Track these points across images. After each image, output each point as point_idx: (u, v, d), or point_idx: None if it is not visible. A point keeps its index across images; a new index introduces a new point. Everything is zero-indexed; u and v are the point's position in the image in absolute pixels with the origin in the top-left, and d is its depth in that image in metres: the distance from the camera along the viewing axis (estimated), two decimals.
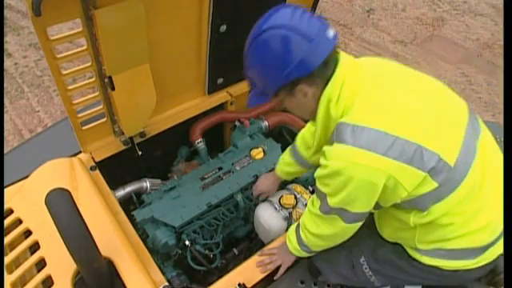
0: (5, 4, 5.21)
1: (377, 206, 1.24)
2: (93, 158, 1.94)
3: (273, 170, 1.95)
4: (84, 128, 1.85)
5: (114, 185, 1.95)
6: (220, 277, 1.59)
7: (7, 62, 4.39)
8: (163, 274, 1.61)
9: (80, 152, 1.95)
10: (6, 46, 4.60)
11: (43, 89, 4.12)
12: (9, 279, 1.47)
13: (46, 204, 1.25)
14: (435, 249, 1.27)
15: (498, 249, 1.27)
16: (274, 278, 1.58)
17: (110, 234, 1.61)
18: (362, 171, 1.11)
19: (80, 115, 1.78)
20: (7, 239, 1.59)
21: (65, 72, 1.59)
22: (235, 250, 2.03)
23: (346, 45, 4.92)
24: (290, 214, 1.87)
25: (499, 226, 1.25)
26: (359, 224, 1.31)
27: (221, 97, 2.33)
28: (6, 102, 3.95)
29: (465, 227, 1.22)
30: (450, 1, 5.74)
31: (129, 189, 2.03)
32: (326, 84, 1.20)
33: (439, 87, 1.30)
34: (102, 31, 1.48)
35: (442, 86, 1.30)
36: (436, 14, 5.47)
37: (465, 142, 1.18)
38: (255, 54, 1.19)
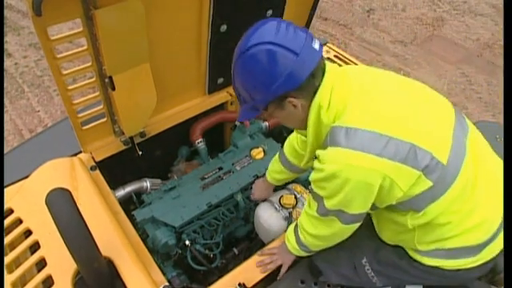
0: (5, 4, 5.21)
1: (373, 206, 1.25)
2: (93, 158, 1.94)
3: None
4: (84, 128, 1.85)
5: (114, 185, 1.95)
6: (220, 277, 1.59)
7: (7, 62, 4.39)
8: (163, 273, 1.61)
9: (80, 152, 1.95)
10: (6, 46, 4.60)
11: (43, 89, 4.12)
12: (9, 279, 1.47)
13: (46, 204, 1.25)
14: (435, 249, 1.28)
15: (496, 247, 1.28)
16: (278, 278, 1.58)
17: (111, 234, 1.61)
18: (357, 173, 1.12)
19: (80, 115, 1.78)
20: (7, 239, 1.59)
21: (65, 72, 1.59)
22: (235, 250, 2.04)
23: (346, 45, 4.92)
24: (290, 213, 1.87)
25: (495, 223, 1.26)
26: (357, 224, 1.32)
27: (221, 97, 2.33)
28: (7, 101, 3.96)
29: (461, 225, 1.23)
30: (450, 1, 5.75)
31: (129, 189, 2.04)
32: (315, 93, 1.21)
33: (424, 89, 1.32)
34: (103, 31, 1.48)
35: (426, 88, 1.32)
36: (436, 14, 5.47)
37: (454, 141, 1.19)
38: (242, 70, 1.19)
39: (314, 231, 1.38)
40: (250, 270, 1.60)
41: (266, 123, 2.40)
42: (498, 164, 1.33)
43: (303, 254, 1.53)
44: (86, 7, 1.42)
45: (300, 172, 1.82)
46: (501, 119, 3.81)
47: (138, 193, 2.06)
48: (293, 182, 2.10)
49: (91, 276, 1.38)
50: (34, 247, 1.58)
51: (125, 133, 1.98)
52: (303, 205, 1.91)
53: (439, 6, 5.64)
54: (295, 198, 1.92)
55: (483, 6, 5.63)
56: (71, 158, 1.90)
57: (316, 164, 1.22)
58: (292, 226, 1.56)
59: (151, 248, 1.78)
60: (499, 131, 2.09)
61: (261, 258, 1.63)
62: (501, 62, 4.60)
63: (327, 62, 1.25)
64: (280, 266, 1.60)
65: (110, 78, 1.66)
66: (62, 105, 3.69)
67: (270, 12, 2.03)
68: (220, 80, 2.24)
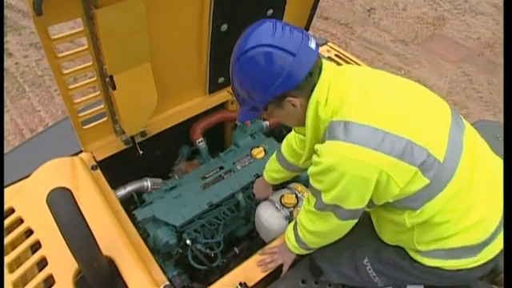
0: (6, 4, 5.21)
1: (370, 203, 1.26)
2: (94, 158, 1.94)
3: None
4: (85, 127, 1.85)
5: (115, 184, 1.95)
6: (221, 276, 1.59)
7: (8, 62, 4.39)
8: (164, 273, 1.61)
9: (81, 151, 1.95)
10: (6, 46, 4.60)
11: (44, 88, 4.12)
12: (10, 278, 1.47)
13: (47, 203, 1.25)
14: (435, 249, 1.28)
15: (496, 247, 1.28)
16: (281, 276, 1.59)
17: (111, 234, 1.61)
18: (354, 166, 1.13)
19: (81, 114, 1.78)
20: (8, 238, 1.60)
21: (66, 71, 1.59)
22: (236, 249, 2.03)
23: (346, 44, 4.92)
24: (291, 213, 1.87)
25: (494, 222, 1.26)
26: (353, 221, 1.33)
27: (222, 96, 2.33)
28: (7, 101, 3.96)
29: (459, 224, 1.23)
30: (451, 0, 5.74)
31: (130, 188, 2.04)
32: (312, 90, 1.22)
33: (421, 89, 1.33)
34: (103, 30, 1.48)
35: (423, 89, 1.33)
36: (437, 13, 5.47)
37: (451, 139, 1.20)
38: (241, 72, 1.21)
39: (311, 227, 1.39)
40: (251, 269, 1.60)
41: (267, 122, 2.40)
42: (496, 162, 1.33)
43: (303, 251, 1.53)
44: (86, 6, 1.42)
45: (297, 171, 1.83)
46: (501, 118, 3.81)
47: (139, 192, 2.06)
48: (294, 181, 2.10)
49: (92, 275, 1.38)
50: (35, 246, 1.58)
51: (126, 132, 1.98)
52: None
53: (440, 5, 5.63)
54: (296, 197, 1.92)
55: (484, 5, 5.62)
56: (72, 157, 1.90)
57: (314, 157, 1.23)
58: (291, 224, 1.57)
59: (152, 247, 1.79)
60: (500, 130, 2.09)
61: (261, 258, 1.63)
62: (501, 61, 4.60)
63: (324, 60, 1.27)
64: (281, 266, 1.60)
65: (111, 77, 1.66)
66: (62, 104, 3.69)
67: (270, 11, 2.03)
68: (221, 79, 2.24)
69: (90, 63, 1.63)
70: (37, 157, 1.91)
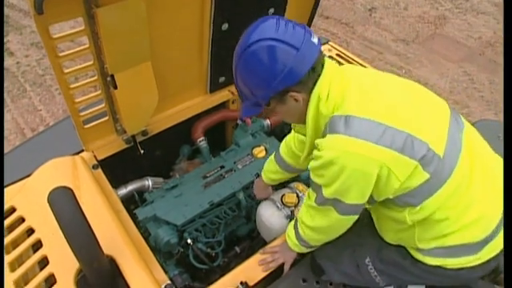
0: (7, 3, 5.22)
1: (371, 200, 1.26)
2: (95, 157, 1.94)
3: None
4: (86, 126, 1.86)
5: (116, 183, 1.95)
6: (222, 275, 1.59)
7: (9, 61, 4.40)
8: (165, 272, 1.62)
9: (82, 151, 1.96)
10: (8, 45, 4.60)
11: (45, 88, 4.12)
12: (11, 277, 1.48)
13: (48, 202, 1.26)
14: (436, 247, 1.28)
15: (497, 245, 1.28)
16: (282, 275, 1.58)
17: (113, 233, 1.62)
18: (355, 160, 1.13)
19: (82, 114, 1.78)
20: (10, 237, 1.60)
21: (67, 71, 1.59)
22: (237, 249, 2.03)
23: (347, 43, 4.91)
24: (292, 212, 1.87)
25: (493, 220, 1.27)
26: (354, 217, 1.32)
27: (223, 95, 2.33)
28: (8, 100, 3.96)
29: (459, 221, 1.24)
30: None
31: (131, 187, 2.04)
32: (314, 85, 1.23)
33: (420, 88, 1.34)
34: (104, 30, 1.49)
35: (422, 88, 1.35)
36: (438, 13, 5.46)
37: (450, 135, 1.21)
38: (244, 67, 1.22)
39: (311, 223, 1.39)
40: (252, 268, 1.60)
41: (268, 122, 2.40)
42: (495, 160, 1.34)
43: (303, 249, 1.53)
44: (87, 6, 1.42)
45: (295, 172, 1.84)
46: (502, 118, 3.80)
47: (140, 191, 2.06)
48: (295, 180, 2.10)
49: (93, 274, 1.38)
50: (37, 246, 1.58)
51: (127, 131, 1.98)
52: None
53: (441, 4, 5.62)
54: (297, 196, 1.92)
55: (485, 4, 5.61)
56: (73, 156, 1.91)
57: (315, 152, 1.24)
58: (292, 222, 1.57)
59: (153, 246, 1.79)
60: (501, 130, 2.08)
61: (263, 257, 1.63)
62: (502, 60, 4.59)
63: (326, 58, 1.28)
64: (282, 265, 1.60)
65: (112, 76, 1.66)
66: (63, 103, 3.69)
67: (271, 10, 2.03)
68: (221, 79, 2.24)
69: (90, 62, 1.63)
70: (38, 156, 1.91)
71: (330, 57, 2.65)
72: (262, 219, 1.89)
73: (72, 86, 1.65)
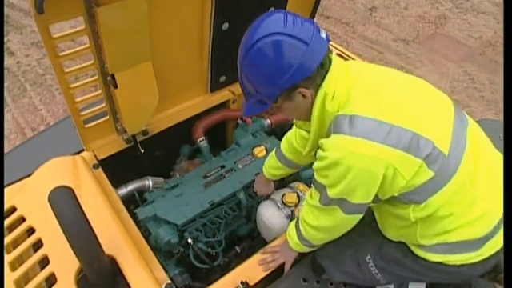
0: (7, 2, 5.22)
1: (376, 198, 1.25)
2: (95, 156, 1.94)
3: None
4: (86, 126, 1.86)
5: (116, 183, 1.95)
6: (222, 275, 1.59)
7: (10, 61, 4.40)
8: (166, 271, 1.62)
9: (83, 150, 1.96)
10: (8, 45, 4.61)
11: (46, 87, 4.12)
12: (12, 277, 1.48)
13: (49, 202, 1.26)
14: (437, 243, 1.28)
15: (498, 241, 1.28)
16: (283, 275, 1.58)
17: (113, 232, 1.62)
18: (360, 160, 1.12)
19: (82, 113, 1.78)
20: (10, 237, 1.60)
21: (67, 70, 1.59)
22: (238, 248, 2.03)
23: (347, 43, 4.91)
24: (293, 212, 1.87)
25: (496, 217, 1.26)
26: (359, 216, 1.32)
27: (223, 95, 2.33)
28: (9, 100, 3.96)
29: (463, 218, 1.24)
30: None
31: (131, 187, 2.04)
32: (322, 81, 1.22)
33: (425, 85, 1.33)
34: (105, 29, 1.48)
35: (427, 84, 1.33)
36: (438, 12, 5.45)
37: (454, 132, 1.21)
38: (251, 64, 1.18)
39: (315, 222, 1.38)
40: (253, 268, 1.60)
41: (268, 121, 2.41)
42: (498, 158, 1.34)
43: (305, 249, 1.53)
44: (88, 5, 1.42)
45: (296, 168, 1.83)
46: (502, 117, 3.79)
47: (141, 191, 2.06)
48: (295, 180, 2.10)
49: (94, 274, 1.38)
50: (37, 245, 1.58)
51: (127, 131, 1.98)
52: None
53: (442, 4, 5.62)
54: (297, 196, 1.92)
55: (486, 3, 5.61)
56: (74, 156, 1.91)
57: (319, 152, 1.22)
58: (293, 222, 1.56)
59: (154, 246, 1.79)
60: (501, 129, 2.08)
61: (263, 257, 1.63)
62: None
63: (333, 54, 1.26)
64: (282, 265, 1.60)
65: (112, 76, 1.66)
66: (64, 103, 3.70)
67: (272, 10, 2.02)
68: (222, 78, 2.24)
69: (91, 62, 1.63)
70: (38, 156, 1.91)
71: None
72: (262, 219, 1.89)
73: (72, 85, 1.65)
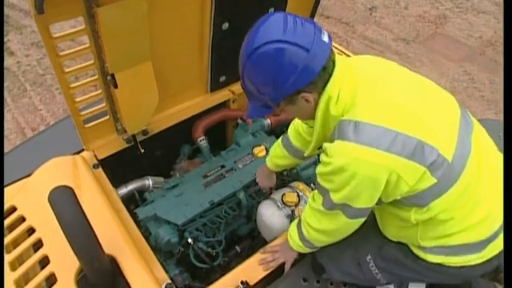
0: (7, 3, 5.22)
1: (378, 201, 1.25)
2: (95, 156, 1.94)
3: None
4: (87, 126, 1.86)
5: (116, 183, 1.95)
6: (223, 275, 1.59)
7: (10, 61, 4.40)
8: (166, 271, 1.61)
9: (83, 150, 1.96)
10: (8, 45, 4.61)
11: (46, 87, 4.13)
12: (12, 276, 1.48)
13: (49, 202, 1.26)
14: (438, 246, 1.28)
15: (500, 243, 1.27)
16: (283, 275, 1.58)
17: (113, 232, 1.62)
18: (365, 167, 1.12)
19: (83, 113, 1.78)
20: (10, 237, 1.60)
21: (67, 70, 1.59)
22: (238, 248, 2.04)
23: (348, 43, 4.91)
24: (293, 211, 1.87)
25: (499, 218, 1.26)
26: (362, 219, 1.31)
27: (223, 95, 2.33)
28: (9, 100, 3.97)
29: (465, 221, 1.23)
30: None
31: (131, 187, 2.04)
32: (326, 85, 1.19)
33: (429, 83, 1.31)
34: (105, 29, 1.48)
35: (430, 83, 1.31)
36: (438, 12, 5.45)
37: (460, 138, 1.20)
38: (252, 70, 1.16)
39: (318, 226, 1.37)
40: (253, 267, 1.60)
41: (268, 121, 2.41)
42: (501, 158, 1.33)
43: (307, 250, 1.52)
44: (88, 5, 1.42)
45: (301, 159, 1.79)
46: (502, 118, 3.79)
47: (141, 191, 2.06)
48: (295, 179, 2.10)
49: (94, 274, 1.38)
50: (37, 245, 1.58)
51: (127, 131, 1.98)
52: (305, 203, 1.91)
53: (442, 3, 5.62)
54: (297, 195, 1.92)
55: (486, 3, 5.60)
56: (74, 156, 1.91)
57: (323, 157, 1.21)
58: (294, 223, 1.55)
59: (154, 246, 1.79)
60: (501, 129, 2.08)
61: (263, 256, 1.63)
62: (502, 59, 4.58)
63: (336, 54, 1.23)
64: (282, 264, 1.60)
65: (112, 75, 1.66)
66: (64, 103, 3.70)
67: (271, 10, 2.03)
68: (222, 78, 2.24)
69: (91, 62, 1.63)
70: (38, 155, 1.91)
71: None
72: (262, 218, 1.89)
73: (72, 85, 1.65)
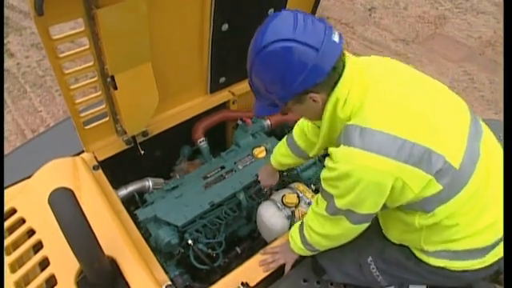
0: (7, 4, 5.23)
1: (383, 206, 1.24)
2: (95, 158, 1.94)
3: None
4: (86, 127, 1.86)
5: (116, 184, 1.95)
6: (223, 276, 1.59)
7: (10, 62, 4.40)
8: (166, 273, 1.61)
9: (83, 151, 1.96)
10: (8, 46, 4.61)
11: (45, 89, 4.13)
12: (12, 278, 1.48)
13: (49, 203, 1.26)
14: (442, 250, 1.27)
15: (502, 248, 1.27)
16: (284, 275, 1.58)
17: (113, 233, 1.61)
18: (371, 174, 1.11)
19: (82, 115, 1.78)
20: (11, 238, 1.60)
21: (67, 71, 1.59)
22: (238, 249, 2.03)
23: (347, 43, 4.91)
24: (293, 212, 1.87)
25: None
26: (365, 225, 1.31)
27: (223, 96, 2.33)
28: (9, 102, 3.97)
29: (470, 228, 1.22)
30: None
31: (131, 188, 2.04)
32: (335, 85, 1.18)
33: (440, 87, 1.29)
34: (104, 30, 1.49)
35: (442, 86, 1.29)
36: (438, 12, 5.46)
37: (469, 144, 1.18)
38: (261, 68, 1.15)
39: (321, 230, 1.36)
40: (253, 269, 1.60)
41: (268, 122, 2.40)
42: None
43: (308, 253, 1.52)
44: (87, 7, 1.42)
45: (304, 159, 1.78)
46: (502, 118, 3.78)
47: (141, 192, 2.06)
48: (295, 181, 2.10)
49: (94, 275, 1.38)
50: (37, 247, 1.58)
51: (127, 132, 1.98)
52: (306, 204, 1.91)
53: (441, 4, 5.62)
54: (298, 197, 1.92)
55: (485, 3, 5.61)
56: (73, 157, 1.91)
57: (328, 162, 1.20)
58: (296, 226, 1.54)
59: (154, 247, 1.79)
60: (501, 129, 2.08)
61: (263, 257, 1.63)
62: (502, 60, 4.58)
63: (347, 54, 1.22)
64: (282, 265, 1.60)
65: (112, 77, 1.66)
66: (64, 104, 3.69)
67: (271, 11, 2.03)
68: (222, 79, 2.24)
69: (91, 63, 1.63)
70: (38, 157, 1.91)
71: None
72: (262, 219, 1.89)
73: (72, 86, 1.65)
